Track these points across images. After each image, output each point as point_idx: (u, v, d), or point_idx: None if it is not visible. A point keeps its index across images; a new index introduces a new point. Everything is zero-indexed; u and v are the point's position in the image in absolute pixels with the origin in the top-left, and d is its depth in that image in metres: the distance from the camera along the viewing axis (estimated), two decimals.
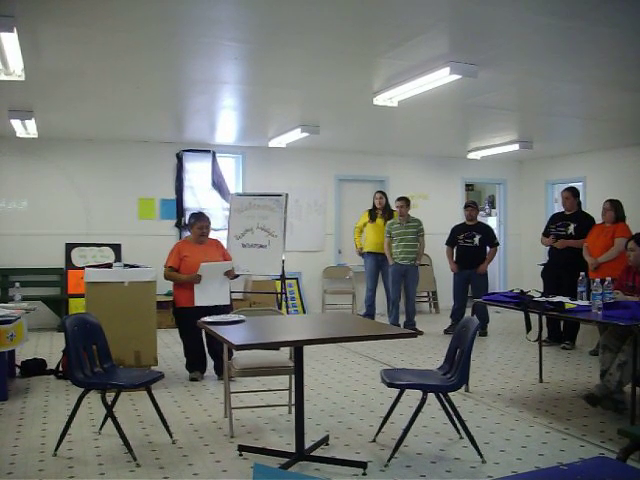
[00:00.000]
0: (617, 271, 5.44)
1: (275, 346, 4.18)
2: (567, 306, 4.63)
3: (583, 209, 7.43)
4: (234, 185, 9.54)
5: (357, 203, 10.13)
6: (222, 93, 6.22)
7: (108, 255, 8.59)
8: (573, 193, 7.16)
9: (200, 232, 5.65)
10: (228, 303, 5.65)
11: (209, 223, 5.73)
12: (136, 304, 5.36)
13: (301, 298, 9.64)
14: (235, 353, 4.49)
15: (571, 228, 7.01)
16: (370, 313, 8.59)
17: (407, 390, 3.88)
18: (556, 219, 7.33)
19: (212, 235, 5.96)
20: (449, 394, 3.82)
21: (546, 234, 7.31)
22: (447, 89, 5.48)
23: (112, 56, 4.87)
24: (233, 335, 3.56)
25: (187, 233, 9.12)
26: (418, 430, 4.13)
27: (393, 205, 8.59)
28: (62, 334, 3.89)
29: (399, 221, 8.13)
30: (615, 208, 6.58)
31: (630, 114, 6.99)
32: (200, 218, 5.71)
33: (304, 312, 9.50)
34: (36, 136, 7.86)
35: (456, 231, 8.24)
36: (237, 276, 5.86)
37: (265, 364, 4.30)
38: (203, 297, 5.51)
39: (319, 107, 6.92)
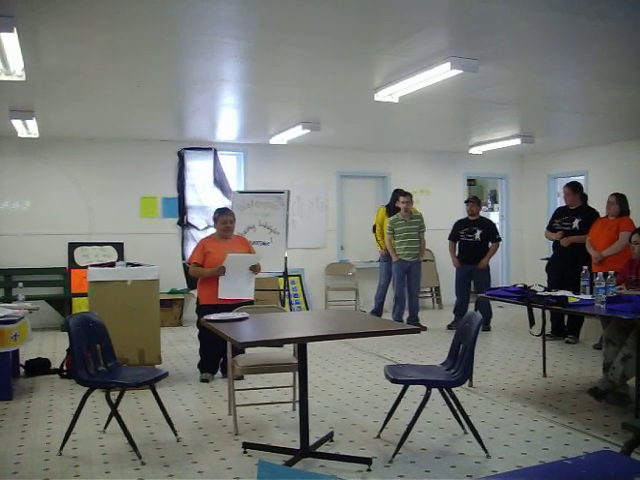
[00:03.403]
0: (621, 265, 5.43)
1: (279, 343, 4.17)
2: (570, 300, 4.62)
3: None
4: (236, 182, 9.53)
5: (359, 199, 10.15)
6: (223, 91, 6.21)
7: (111, 254, 8.59)
8: (574, 189, 7.10)
9: (224, 226, 5.55)
10: (252, 299, 5.44)
11: (234, 218, 5.65)
12: (139, 303, 5.37)
13: (304, 295, 9.64)
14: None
15: (576, 223, 6.97)
16: (377, 311, 8.56)
17: (411, 386, 3.90)
18: (561, 213, 7.29)
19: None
20: (453, 389, 3.82)
21: (551, 228, 7.28)
22: (448, 84, 5.46)
23: (112, 55, 4.87)
24: (237, 333, 3.57)
25: (189, 232, 9.18)
26: (422, 426, 4.13)
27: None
28: (66, 333, 3.90)
29: (402, 217, 8.09)
30: (620, 202, 6.55)
31: (631, 109, 6.96)
32: (224, 212, 5.67)
33: (307, 309, 9.50)
34: (37, 136, 7.86)
35: (458, 226, 8.21)
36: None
37: (269, 361, 4.30)
38: (227, 290, 5.32)
39: (320, 104, 6.90)
